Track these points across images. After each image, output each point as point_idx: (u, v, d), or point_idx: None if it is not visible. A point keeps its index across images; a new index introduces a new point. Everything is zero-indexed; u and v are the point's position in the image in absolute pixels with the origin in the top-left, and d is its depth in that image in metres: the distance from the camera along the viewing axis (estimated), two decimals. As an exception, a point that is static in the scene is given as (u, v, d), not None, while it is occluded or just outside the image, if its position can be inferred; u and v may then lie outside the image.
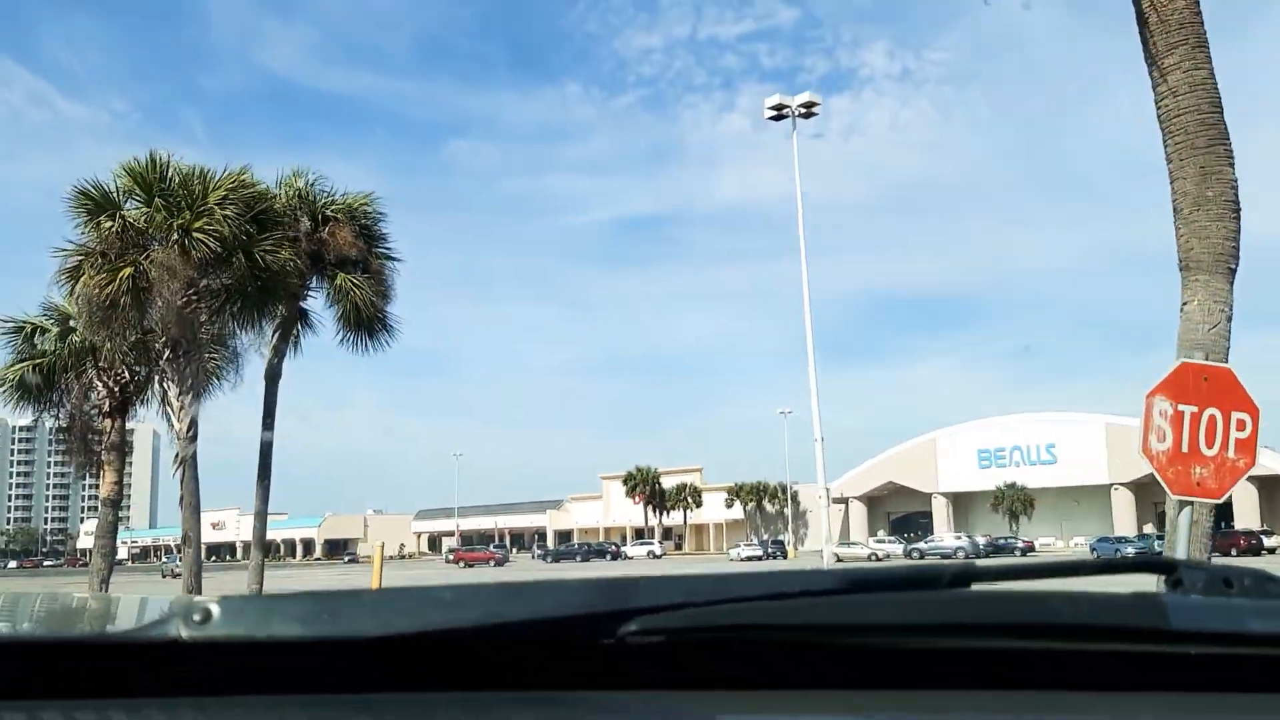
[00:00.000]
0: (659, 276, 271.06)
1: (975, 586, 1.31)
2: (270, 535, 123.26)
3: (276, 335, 20.07)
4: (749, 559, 76.75)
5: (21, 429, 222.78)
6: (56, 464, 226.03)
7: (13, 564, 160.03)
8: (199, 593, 18.76)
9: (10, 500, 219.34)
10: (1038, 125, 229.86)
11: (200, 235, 16.37)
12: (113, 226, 16.70)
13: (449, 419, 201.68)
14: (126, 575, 69.74)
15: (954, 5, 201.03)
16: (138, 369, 20.65)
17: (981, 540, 73.96)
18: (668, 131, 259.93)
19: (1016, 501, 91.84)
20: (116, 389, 20.34)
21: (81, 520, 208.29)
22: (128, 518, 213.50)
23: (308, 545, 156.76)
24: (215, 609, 1.12)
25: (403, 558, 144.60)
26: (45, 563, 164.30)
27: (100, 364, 20.09)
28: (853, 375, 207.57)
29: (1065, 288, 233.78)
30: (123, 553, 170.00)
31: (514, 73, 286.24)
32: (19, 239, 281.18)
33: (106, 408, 20.32)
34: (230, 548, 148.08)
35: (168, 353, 17.31)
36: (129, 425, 21.27)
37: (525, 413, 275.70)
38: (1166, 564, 1.40)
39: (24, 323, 20.51)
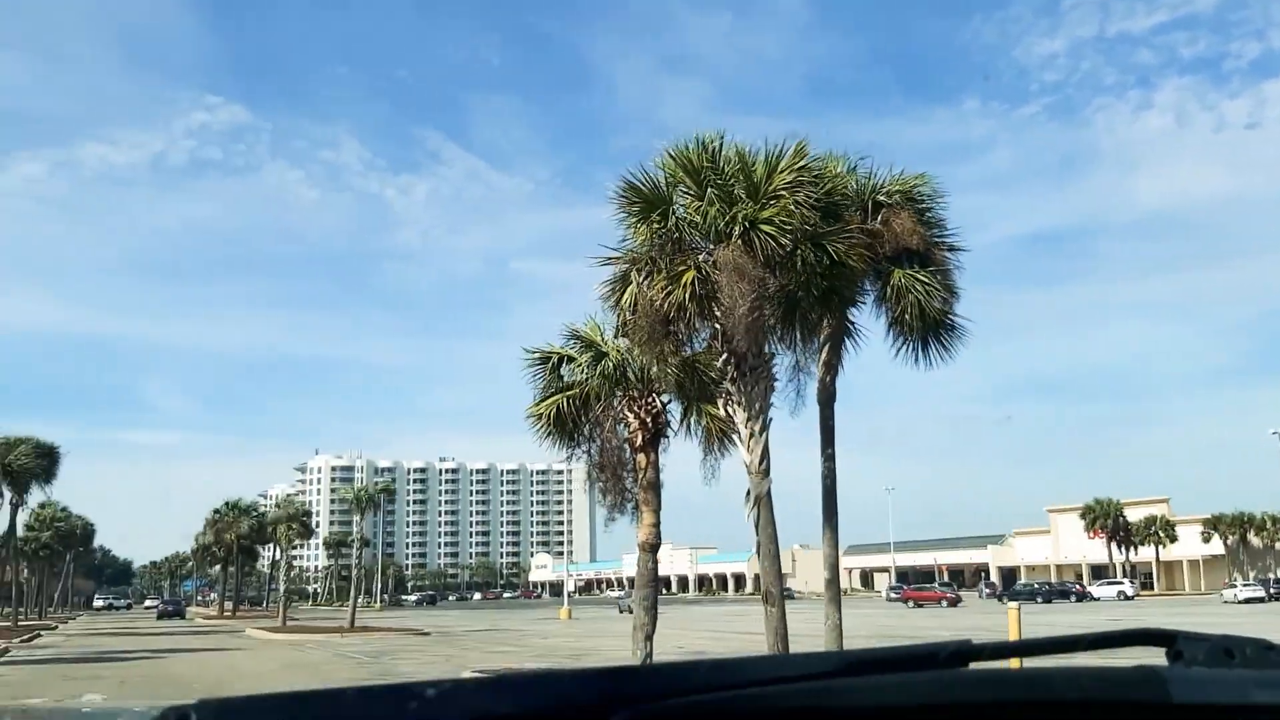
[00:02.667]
0: (1071, 291, 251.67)
1: (973, 665, 1.32)
2: (701, 570, 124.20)
3: (826, 347, 16.92)
4: (1248, 600, 67.82)
5: (477, 471, 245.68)
6: (507, 502, 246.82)
7: (477, 596, 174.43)
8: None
9: (471, 537, 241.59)
10: None
11: (768, 229, 13.45)
12: (664, 226, 14.26)
13: (871, 451, 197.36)
14: (582, 609, 71.64)
15: None
16: (667, 397, 18.39)
17: None
18: (1077, 138, 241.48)
19: None
20: (649, 419, 18.13)
21: (532, 555, 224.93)
22: (571, 552, 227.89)
23: (738, 580, 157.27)
24: (193, 715, 1.10)
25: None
26: (505, 594, 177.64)
27: (631, 392, 18.00)
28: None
29: None
30: (570, 585, 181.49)
31: (907, 97, 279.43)
32: (466, 302, 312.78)
33: (639, 441, 18.16)
34: (665, 582, 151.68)
35: (731, 371, 14.56)
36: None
37: (946, 442, 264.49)
38: (1165, 636, 1.39)
39: (550, 352, 18.92)
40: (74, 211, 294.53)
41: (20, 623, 58.41)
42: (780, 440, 15.36)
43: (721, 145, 14.49)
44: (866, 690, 1.19)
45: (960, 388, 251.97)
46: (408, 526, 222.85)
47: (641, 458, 18.15)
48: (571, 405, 18.17)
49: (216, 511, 74.48)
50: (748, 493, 14.77)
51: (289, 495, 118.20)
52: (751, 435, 14.53)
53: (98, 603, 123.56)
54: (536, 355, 19.05)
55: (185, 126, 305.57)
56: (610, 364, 17.60)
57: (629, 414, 18.36)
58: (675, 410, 18.69)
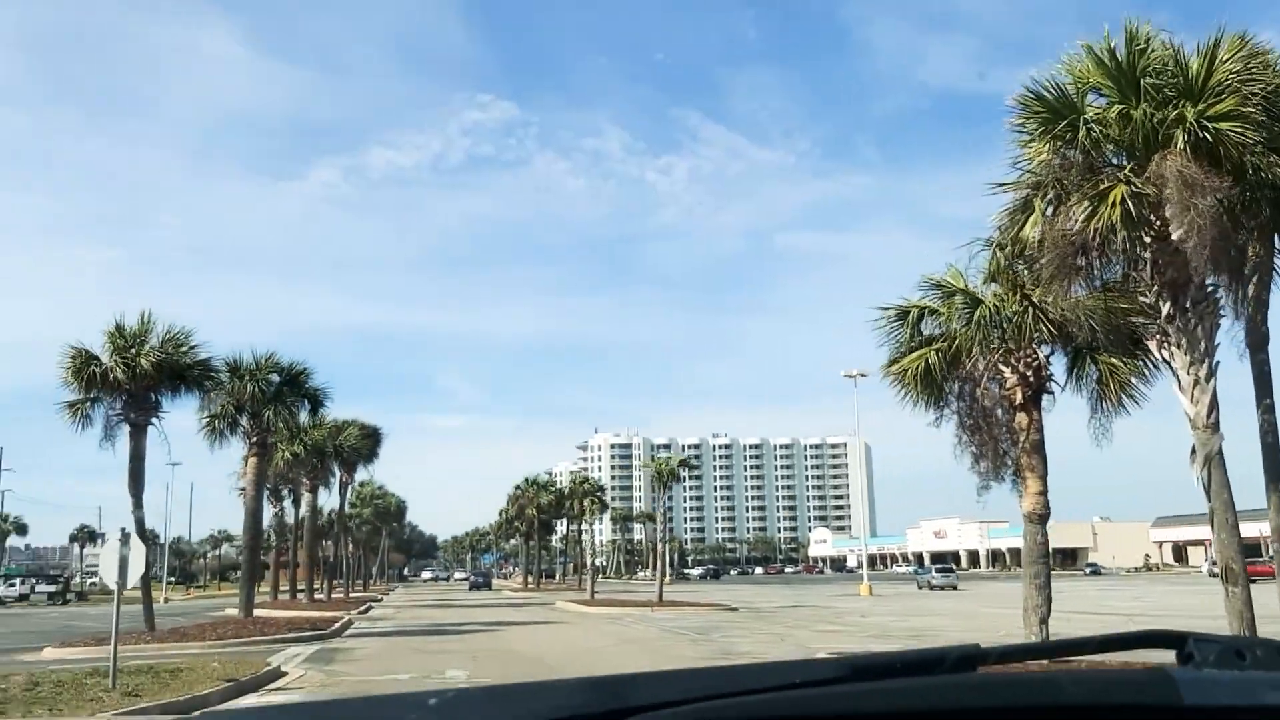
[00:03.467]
0: None
1: (980, 670, 1.32)
2: (993, 544, 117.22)
3: (1254, 279, 14.20)
4: None
5: (750, 446, 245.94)
6: (782, 477, 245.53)
7: (758, 570, 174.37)
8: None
9: (747, 512, 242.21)
10: None
11: (1228, 127, 11.08)
12: (1072, 138, 12.13)
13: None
14: (877, 585, 69.04)
15: None
16: (1047, 349, 16.20)
17: None
18: None
19: None
20: (1029, 373, 16.00)
21: (810, 530, 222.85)
22: (849, 526, 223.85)
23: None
24: None
25: (1147, 569, 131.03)
26: (785, 569, 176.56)
27: (1008, 343, 15.92)
28: None
29: None
30: (851, 561, 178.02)
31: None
32: (730, 278, 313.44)
33: (1018, 398, 16.06)
34: (954, 556, 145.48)
35: (1167, 307, 12.28)
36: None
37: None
38: (1175, 638, 1.38)
39: (910, 305, 17.11)
40: (365, 212, 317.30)
41: (350, 594, 62.52)
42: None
43: (1148, 39, 12.14)
44: (874, 696, 1.18)
45: None
46: (684, 502, 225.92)
47: (1022, 417, 16.10)
48: (940, 360, 16.30)
49: (517, 487, 77.13)
50: (1192, 450, 12.42)
51: (574, 472, 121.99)
52: (1196, 382, 12.21)
53: (425, 574, 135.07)
54: (893, 310, 17.33)
55: (460, 126, 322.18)
56: (988, 311, 15.59)
57: (1004, 369, 16.32)
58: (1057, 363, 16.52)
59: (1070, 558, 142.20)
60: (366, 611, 44.19)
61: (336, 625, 31.07)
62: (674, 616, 37.07)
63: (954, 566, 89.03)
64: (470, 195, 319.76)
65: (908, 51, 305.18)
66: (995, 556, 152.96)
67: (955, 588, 67.09)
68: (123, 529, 15.61)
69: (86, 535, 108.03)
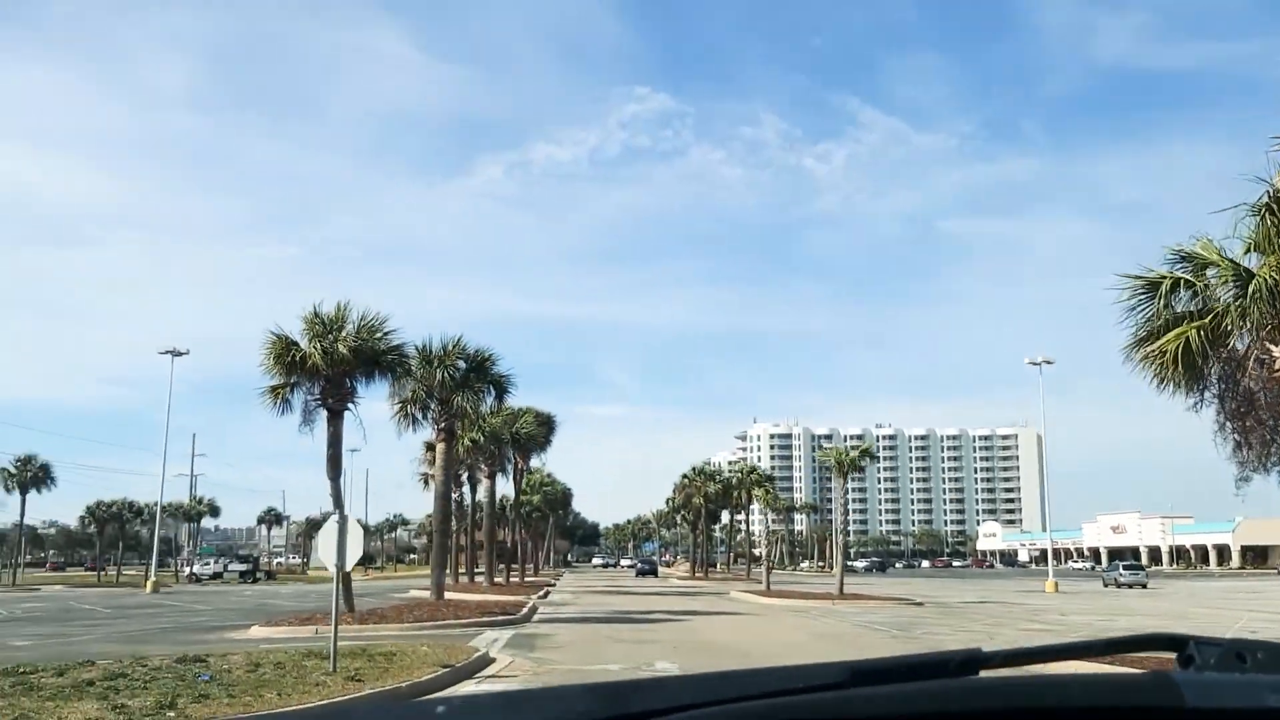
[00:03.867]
0: None
1: (983, 673, 1.32)
2: (1177, 540, 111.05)
3: None
4: None
5: (915, 437, 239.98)
6: (949, 469, 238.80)
7: (924, 563, 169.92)
8: None
9: (912, 504, 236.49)
10: None
11: None
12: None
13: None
14: (1063, 581, 65.58)
15: None
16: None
17: None
18: None
19: None
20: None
21: (978, 523, 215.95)
22: (1020, 520, 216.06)
23: (1221, 552, 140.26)
24: None
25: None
26: (954, 563, 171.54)
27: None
28: None
29: None
30: (1023, 555, 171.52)
31: None
32: (891, 265, 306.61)
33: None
34: (1133, 552, 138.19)
35: None
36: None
37: None
38: (1176, 640, 1.39)
39: (1161, 277, 15.58)
40: (526, 207, 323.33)
41: (525, 579, 63.32)
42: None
43: None
44: (876, 701, 1.17)
45: None
46: (847, 493, 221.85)
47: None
48: (1201, 338, 14.76)
49: (684, 476, 76.82)
50: None
51: (731, 462, 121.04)
52: None
53: (595, 561, 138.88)
54: (1141, 282, 15.80)
55: (618, 119, 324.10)
56: (1264, 285, 13.98)
57: (1273, 348, 14.65)
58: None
59: (1261, 556, 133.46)
60: (545, 596, 44.46)
61: (524, 610, 31.11)
62: (859, 610, 35.85)
63: (1141, 564, 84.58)
64: (627, 187, 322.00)
65: (1076, 28, 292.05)
66: (1178, 554, 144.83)
67: (1144, 585, 63.57)
68: (341, 511, 15.60)
69: (273, 518, 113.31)
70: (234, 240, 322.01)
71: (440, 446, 32.44)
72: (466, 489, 52.22)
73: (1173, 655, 1.43)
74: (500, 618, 28.19)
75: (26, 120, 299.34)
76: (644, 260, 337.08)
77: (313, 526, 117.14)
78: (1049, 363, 64.48)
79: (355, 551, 15.30)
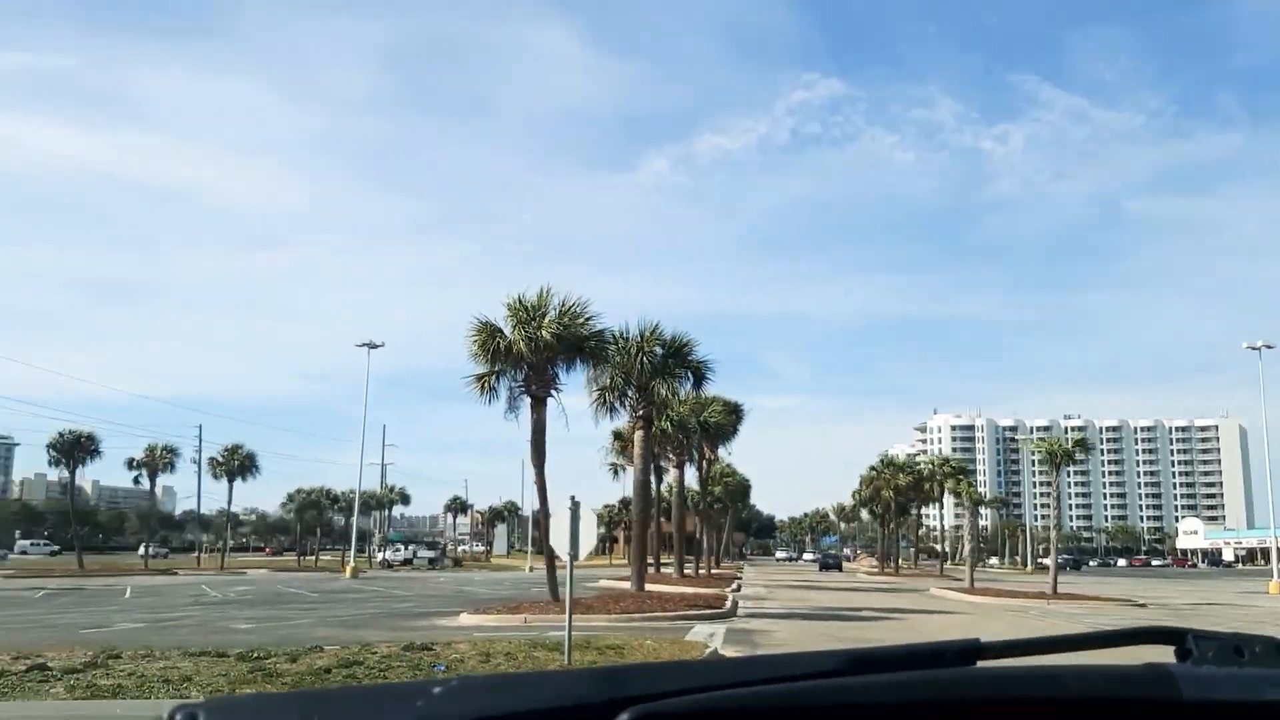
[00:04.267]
0: None
1: (980, 664, 1.33)
2: None
3: None
4: None
5: (1107, 429, 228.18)
6: (1144, 462, 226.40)
7: (1120, 562, 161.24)
8: None
9: (1105, 499, 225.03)
10: None
11: None
12: None
13: None
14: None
15: None
16: None
17: None
18: None
19: None
20: None
21: (1177, 519, 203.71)
22: (1223, 517, 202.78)
23: None
24: (201, 714, 1.12)
25: None
26: (1152, 561, 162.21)
27: None
28: None
29: None
30: (1228, 554, 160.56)
31: None
32: (1075, 249, 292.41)
33: None
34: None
35: None
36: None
37: None
38: (1174, 634, 1.39)
39: None
40: (694, 199, 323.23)
41: (711, 571, 62.52)
42: None
43: None
44: (874, 689, 1.18)
45: None
46: (1034, 487, 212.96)
47: None
48: None
49: (872, 469, 74.64)
50: None
51: (909, 454, 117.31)
52: None
53: (778, 554, 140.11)
54: None
55: (786, 106, 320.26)
56: None
57: None
58: None
59: None
60: (737, 590, 43.44)
61: (726, 604, 30.13)
62: (1079, 611, 33.43)
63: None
64: (797, 176, 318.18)
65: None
66: None
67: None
68: (573, 499, 14.89)
69: (458, 506, 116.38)
70: (415, 239, 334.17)
71: (639, 435, 31.80)
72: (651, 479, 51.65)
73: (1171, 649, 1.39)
74: (705, 611, 27.28)
75: (226, 131, 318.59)
76: (814, 249, 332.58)
77: (495, 516, 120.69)
78: (1269, 347, 59.51)
79: (589, 540, 14.60)
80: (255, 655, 15.25)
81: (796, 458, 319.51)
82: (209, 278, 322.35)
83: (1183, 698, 1.18)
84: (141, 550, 75.38)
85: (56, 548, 69.61)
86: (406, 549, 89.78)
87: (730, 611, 28.67)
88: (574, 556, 14.78)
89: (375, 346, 60.60)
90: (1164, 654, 1.43)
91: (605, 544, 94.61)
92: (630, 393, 31.13)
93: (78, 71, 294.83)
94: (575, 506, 14.73)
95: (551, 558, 28.74)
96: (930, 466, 71.55)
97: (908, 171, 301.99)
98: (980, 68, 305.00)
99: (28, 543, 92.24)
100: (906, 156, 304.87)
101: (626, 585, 35.40)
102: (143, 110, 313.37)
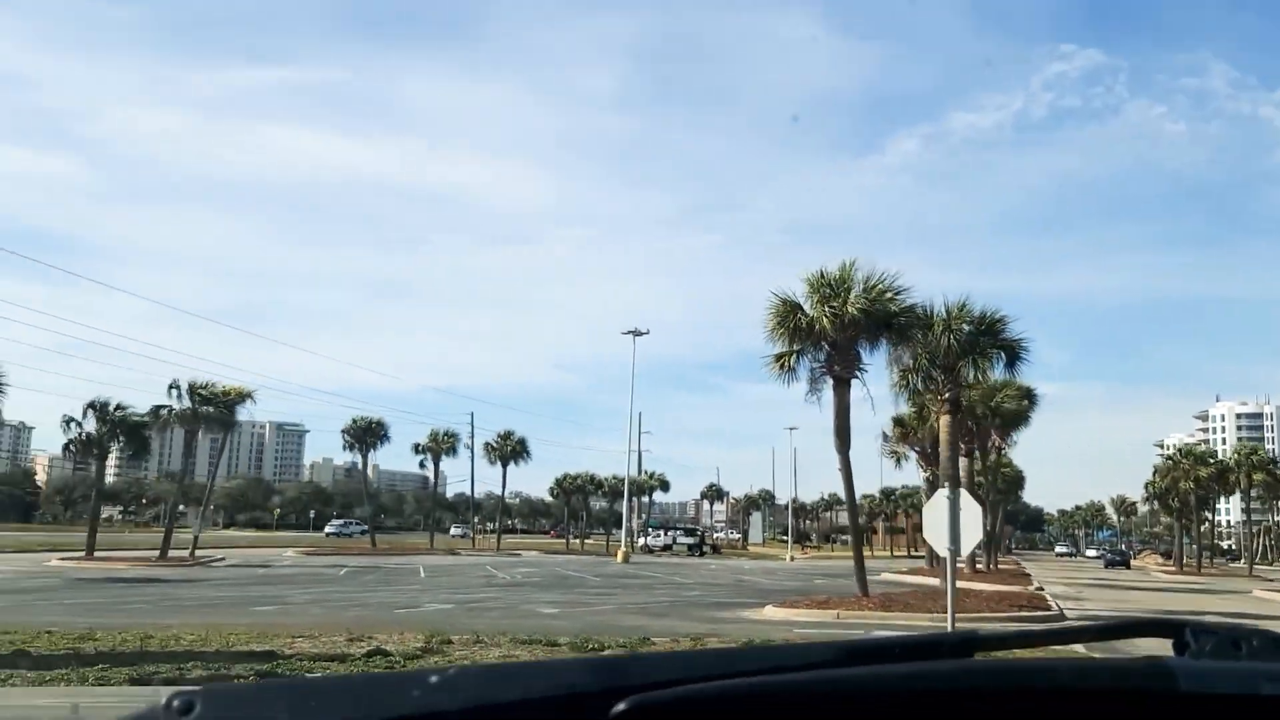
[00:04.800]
0: None
1: (978, 655, 1.33)
2: None
3: None
4: None
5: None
6: None
7: None
8: None
9: None
10: None
11: None
12: None
13: None
14: None
15: None
16: None
17: None
18: None
19: None
20: None
21: None
22: None
23: None
24: (198, 701, 1.09)
25: None
26: None
27: None
28: None
29: None
30: None
31: None
32: None
33: None
34: None
35: None
36: None
37: None
38: (1171, 627, 1.39)
39: None
40: (945, 179, 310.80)
41: (992, 566, 58.97)
42: None
43: None
44: (870, 679, 1.18)
45: None
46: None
47: None
48: None
49: (1168, 459, 68.66)
50: None
51: (1187, 444, 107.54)
52: None
53: (1058, 549, 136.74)
54: None
55: (1042, 80, 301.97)
56: None
57: None
58: None
59: None
60: (1040, 589, 40.31)
61: (1051, 605, 27.51)
62: None
63: None
64: (1055, 151, 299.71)
65: None
66: None
67: None
68: (951, 487, 13.17)
69: (714, 493, 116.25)
70: (662, 231, 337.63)
71: (944, 419, 29.53)
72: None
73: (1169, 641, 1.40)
74: (1033, 613, 24.92)
75: (478, 133, 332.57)
76: (1072, 227, 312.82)
77: (750, 504, 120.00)
78: None
79: (974, 533, 12.86)
80: (590, 646, 14.60)
81: (1058, 447, 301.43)
82: (468, 274, 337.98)
83: (1179, 690, 1.17)
84: (453, 530, 79.71)
85: (365, 528, 74.22)
86: (666, 534, 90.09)
87: (1058, 614, 26.08)
88: (955, 552, 13.10)
89: (641, 334, 60.66)
90: (1164, 647, 1.39)
91: (865, 535, 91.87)
92: (936, 374, 28.86)
93: (347, 84, 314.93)
94: (955, 496, 13.03)
95: (860, 550, 27.11)
96: (1237, 457, 64.87)
97: (1178, 143, 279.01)
98: (1256, 28, 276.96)
99: (340, 523, 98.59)
100: (1176, 127, 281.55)
101: (911, 579, 33.16)
102: (409, 118, 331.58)
